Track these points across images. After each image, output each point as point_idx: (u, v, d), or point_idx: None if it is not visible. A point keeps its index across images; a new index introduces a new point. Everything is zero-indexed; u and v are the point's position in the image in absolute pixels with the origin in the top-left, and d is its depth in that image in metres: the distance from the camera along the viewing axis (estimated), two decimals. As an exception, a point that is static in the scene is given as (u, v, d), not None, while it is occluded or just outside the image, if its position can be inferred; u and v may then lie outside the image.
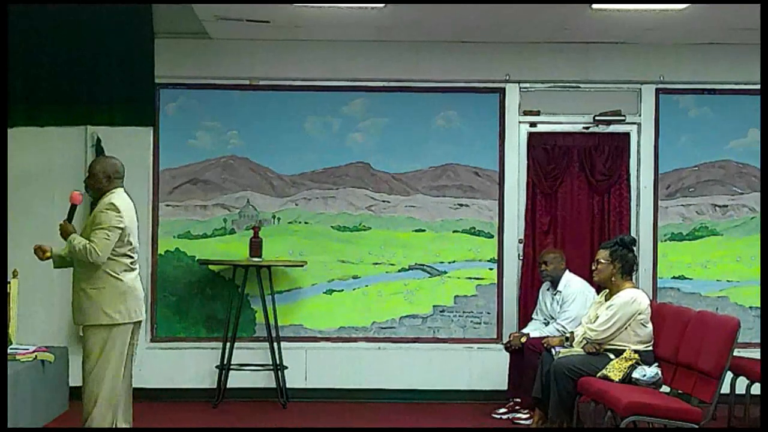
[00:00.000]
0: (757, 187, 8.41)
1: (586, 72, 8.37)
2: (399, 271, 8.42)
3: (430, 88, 8.36)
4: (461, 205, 8.43)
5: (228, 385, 8.00)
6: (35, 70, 8.04)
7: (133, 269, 5.90)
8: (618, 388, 6.21)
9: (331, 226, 8.39)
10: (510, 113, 8.37)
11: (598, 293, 7.28)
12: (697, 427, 5.94)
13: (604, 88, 8.42)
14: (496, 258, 8.41)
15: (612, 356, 6.58)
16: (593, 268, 6.94)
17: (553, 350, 7.04)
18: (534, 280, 8.23)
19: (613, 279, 6.81)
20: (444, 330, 8.39)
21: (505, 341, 7.96)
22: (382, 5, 7.08)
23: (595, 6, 7.08)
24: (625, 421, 5.96)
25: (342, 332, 8.38)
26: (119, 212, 5.77)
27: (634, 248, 7.06)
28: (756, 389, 6.99)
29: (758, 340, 7.61)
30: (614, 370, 6.44)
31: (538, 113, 8.39)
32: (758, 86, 8.05)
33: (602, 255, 6.85)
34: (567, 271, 7.76)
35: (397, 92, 8.38)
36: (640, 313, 6.65)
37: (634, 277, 7.03)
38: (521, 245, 8.39)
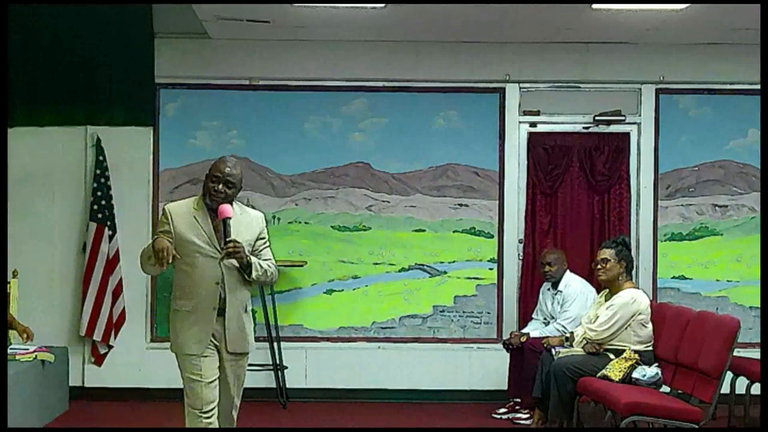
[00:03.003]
0: (757, 187, 8.41)
1: (586, 72, 8.37)
2: (399, 271, 8.42)
3: (430, 88, 8.36)
4: (461, 205, 8.43)
5: (228, 385, 7.99)
6: (35, 70, 8.06)
7: None
8: (618, 388, 6.22)
9: (331, 226, 8.39)
10: (510, 113, 8.37)
11: (598, 293, 7.29)
12: (697, 427, 5.94)
13: (604, 88, 8.42)
14: (496, 258, 8.41)
15: (612, 356, 6.58)
16: (598, 267, 6.89)
17: (553, 350, 7.05)
18: (534, 280, 8.23)
19: (619, 278, 6.81)
20: (444, 330, 8.39)
21: (504, 339, 7.95)
22: (382, 5, 7.08)
23: (595, 6, 7.08)
24: (625, 421, 5.97)
25: (342, 332, 8.38)
26: None
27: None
28: (756, 389, 6.99)
29: (758, 340, 7.61)
30: (614, 370, 6.44)
31: (538, 113, 8.39)
32: (758, 86, 8.05)
33: (608, 254, 6.82)
34: (567, 271, 7.76)
35: (397, 92, 8.38)
36: (640, 314, 6.65)
37: (632, 277, 7.04)
38: (521, 245, 8.39)
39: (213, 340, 5.05)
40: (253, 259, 5.02)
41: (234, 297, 5.03)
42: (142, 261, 5.01)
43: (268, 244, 5.21)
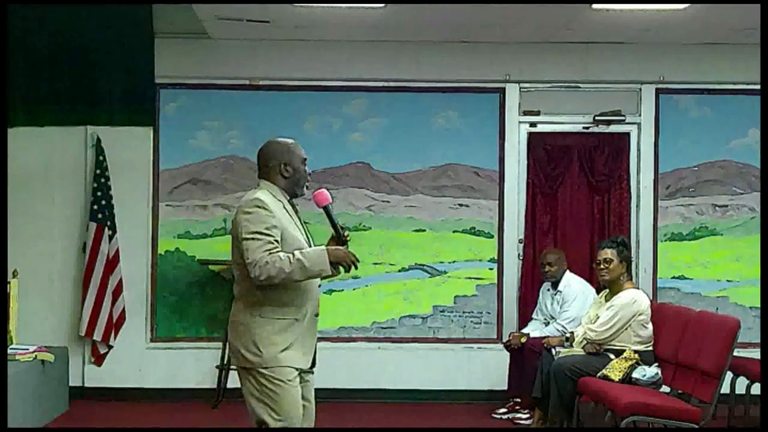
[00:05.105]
0: (757, 187, 8.41)
1: (586, 72, 8.37)
2: (399, 271, 8.41)
3: (430, 88, 8.36)
4: (461, 205, 8.43)
5: (228, 385, 7.98)
6: (35, 70, 8.05)
7: None
8: (618, 388, 6.22)
9: (332, 226, 8.37)
10: (510, 113, 8.37)
11: (598, 293, 7.28)
12: (697, 427, 5.94)
13: (604, 88, 8.41)
14: (496, 258, 8.41)
15: (612, 356, 6.58)
16: (601, 268, 6.85)
17: (553, 350, 7.05)
18: (534, 280, 8.23)
19: (620, 278, 6.81)
20: (444, 330, 8.39)
21: (504, 341, 7.95)
22: (382, 5, 7.08)
23: (595, 6, 7.08)
24: (625, 421, 5.96)
25: (342, 332, 8.38)
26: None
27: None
28: (756, 389, 6.99)
29: (758, 340, 7.59)
30: (614, 370, 6.44)
31: (538, 113, 8.39)
32: (758, 86, 8.05)
33: (611, 254, 6.80)
34: (567, 271, 7.76)
35: (397, 92, 8.38)
36: (640, 314, 6.65)
37: (632, 276, 7.04)
38: (521, 245, 8.39)
39: None
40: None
41: (310, 306, 4.36)
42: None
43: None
